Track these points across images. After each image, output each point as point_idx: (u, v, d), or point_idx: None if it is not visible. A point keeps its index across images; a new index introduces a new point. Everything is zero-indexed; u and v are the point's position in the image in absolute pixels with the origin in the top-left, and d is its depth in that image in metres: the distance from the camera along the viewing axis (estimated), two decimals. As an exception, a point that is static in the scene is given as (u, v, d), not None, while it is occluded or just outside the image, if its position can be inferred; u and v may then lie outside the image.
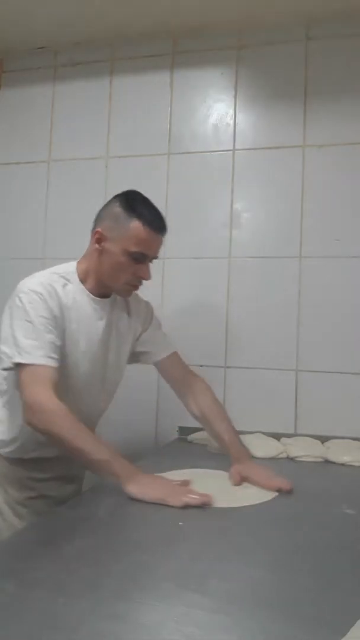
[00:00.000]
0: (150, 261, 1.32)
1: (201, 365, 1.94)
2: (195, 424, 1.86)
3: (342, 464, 1.56)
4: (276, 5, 1.83)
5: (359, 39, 1.87)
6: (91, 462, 1.14)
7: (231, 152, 1.97)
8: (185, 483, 1.18)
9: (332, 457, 1.58)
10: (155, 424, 1.96)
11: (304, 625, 0.66)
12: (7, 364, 1.20)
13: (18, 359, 1.17)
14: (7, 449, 1.34)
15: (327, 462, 1.58)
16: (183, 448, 1.75)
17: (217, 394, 1.89)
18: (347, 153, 1.86)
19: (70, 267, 1.33)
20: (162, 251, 1.97)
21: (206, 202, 1.98)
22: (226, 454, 1.39)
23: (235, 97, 1.98)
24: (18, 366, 1.17)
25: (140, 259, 1.28)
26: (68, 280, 1.30)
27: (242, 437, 1.72)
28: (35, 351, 1.17)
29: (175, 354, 1.51)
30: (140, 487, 1.11)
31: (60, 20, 1.97)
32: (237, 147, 1.97)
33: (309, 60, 1.91)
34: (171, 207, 2.00)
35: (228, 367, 1.92)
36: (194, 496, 1.09)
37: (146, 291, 1.98)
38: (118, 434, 1.99)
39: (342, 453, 1.59)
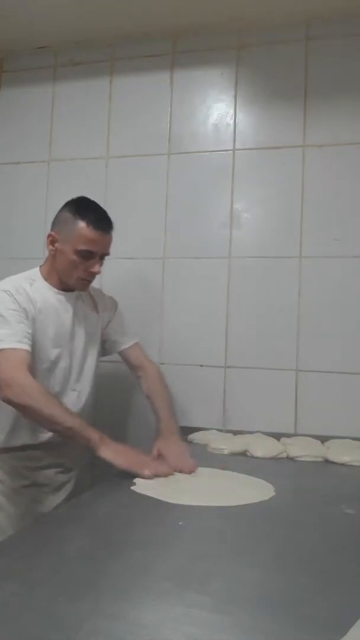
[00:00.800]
0: (102, 257, 1.47)
1: (201, 365, 1.94)
2: (195, 423, 1.88)
3: (342, 464, 1.55)
4: (276, 5, 1.83)
5: (359, 39, 1.87)
6: (64, 429, 1.27)
7: (231, 152, 1.97)
8: (155, 457, 1.34)
9: (332, 457, 1.58)
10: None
11: (304, 625, 0.66)
12: None
13: None
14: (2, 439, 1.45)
15: (327, 462, 1.58)
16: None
17: (217, 394, 1.91)
18: (347, 153, 1.86)
19: (33, 271, 1.50)
20: (162, 251, 2.00)
21: (206, 202, 1.98)
22: (157, 428, 1.54)
23: (235, 97, 1.98)
24: None
25: (89, 256, 1.42)
26: (34, 280, 1.46)
27: (242, 437, 1.73)
28: (7, 338, 1.30)
29: (137, 344, 1.68)
30: (113, 453, 1.24)
31: (60, 20, 1.97)
32: (237, 147, 1.97)
33: (309, 60, 1.91)
34: (171, 207, 2.00)
35: (228, 367, 1.92)
36: (161, 468, 1.26)
37: (146, 291, 2.00)
38: (118, 434, 1.99)
39: (342, 453, 1.59)
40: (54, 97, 2.15)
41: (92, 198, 1.53)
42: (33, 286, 1.43)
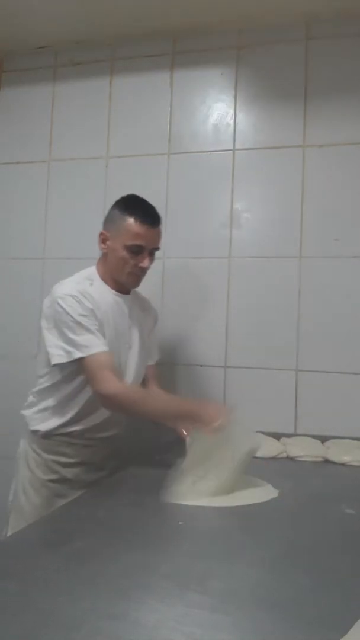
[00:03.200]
0: (151, 252, 1.49)
1: (201, 365, 1.94)
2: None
3: (342, 464, 1.56)
4: (276, 5, 1.83)
5: (359, 39, 1.87)
6: (170, 415, 1.44)
7: (231, 152, 1.97)
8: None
9: (332, 457, 1.58)
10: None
11: (304, 625, 0.66)
12: (59, 360, 1.37)
13: (78, 355, 1.34)
14: (39, 426, 1.48)
15: (327, 462, 1.58)
16: (183, 448, 1.75)
17: (217, 394, 1.91)
18: (347, 153, 1.86)
19: (91, 270, 1.52)
20: (162, 251, 1.99)
21: (206, 202, 1.98)
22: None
23: (235, 97, 1.98)
24: (79, 361, 1.34)
25: (138, 251, 1.45)
26: (92, 280, 1.48)
27: (242, 437, 1.73)
28: (91, 343, 1.34)
29: (154, 365, 1.70)
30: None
31: (60, 20, 1.97)
32: (237, 147, 1.97)
33: (309, 60, 1.91)
34: (171, 207, 2.00)
35: (228, 367, 1.92)
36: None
37: (147, 290, 2.00)
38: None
39: (342, 453, 1.59)
40: (54, 97, 2.15)
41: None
42: (93, 287, 1.45)
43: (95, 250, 2.07)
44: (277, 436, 1.74)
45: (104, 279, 1.50)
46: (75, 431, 1.46)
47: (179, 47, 2.04)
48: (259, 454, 1.60)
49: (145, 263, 1.47)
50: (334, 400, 1.81)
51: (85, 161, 2.10)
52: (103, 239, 1.48)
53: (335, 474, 1.50)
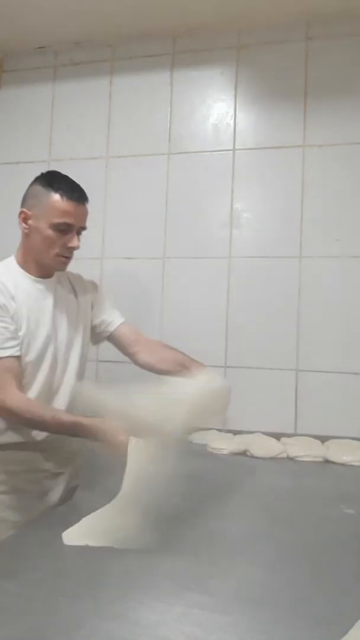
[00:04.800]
0: (79, 232, 1.37)
1: (201, 365, 1.94)
2: (195, 424, 1.87)
3: (342, 464, 1.56)
4: (276, 4, 1.83)
5: (359, 38, 1.87)
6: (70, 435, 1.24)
7: (231, 152, 1.97)
8: None
9: (332, 457, 1.58)
10: (155, 424, 1.96)
11: (304, 625, 0.66)
12: None
13: None
14: None
15: (327, 462, 1.58)
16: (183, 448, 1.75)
17: (217, 394, 1.91)
18: (347, 153, 1.86)
19: (8, 258, 1.42)
20: (162, 251, 2.00)
21: (206, 202, 1.98)
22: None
23: (235, 97, 1.98)
24: None
25: (66, 230, 1.33)
26: (8, 267, 1.37)
27: (242, 437, 1.73)
28: None
29: (128, 323, 1.55)
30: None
31: (60, 20, 1.96)
32: (237, 147, 1.97)
33: (309, 60, 1.91)
34: (171, 207, 2.00)
35: (228, 367, 1.92)
36: None
37: (146, 291, 2.00)
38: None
39: (342, 453, 1.59)
40: (54, 97, 2.15)
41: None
42: (7, 275, 1.34)
43: (94, 250, 2.07)
44: (277, 436, 1.74)
45: (22, 265, 1.38)
46: (19, 439, 1.33)
47: (179, 47, 2.04)
48: (259, 454, 1.60)
49: (74, 242, 1.34)
50: (334, 400, 1.81)
51: (85, 161, 2.09)
52: (24, 218, 1.36)
53: (335, 474, 1.50)
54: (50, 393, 1.38)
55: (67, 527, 0.99)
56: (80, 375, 1.46)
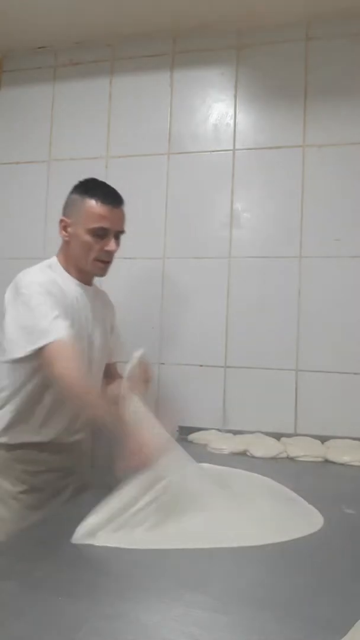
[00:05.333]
0: (117, 236, 1.40)
1: (201, 365, 1.94)
2: (195, 423, 1.87)
3: (342, 464, 1.56)
4: (276, 5, 1.83)
5: (359, 39, 1.87)
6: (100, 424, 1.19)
7: (231, 152, 1.97)
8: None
9: (332, 457, 1.58)
10: (155, 424, 1.95)
11: (304, 625, 0.66)
12: (18, 353, 1.23)
13: (42, 342, 1.19)
14: (5, 437, 1.37)
15: (327, 462, 1.58)
16: (183, 448, 1.75)
17: (217, 394, 1.91)
18: (347, 153, 1.86)
19: (52, 260, 1.43)
20: (162, 251, 2.00)
21: (206, 202, 1.98)
22: None
23: (235, 97, 1.98)
24: (40, 350, 1.20)
25: (103, 234, 1.36)
26: (54, 270, 1.39)
27: (242, 437, 1.73)
28: (54, 328, 1.20)
29: (114, 363, 1.58)
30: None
31: (60, 20, 1.96)
32: (237, 147, 1.97)
33: (309, 60, 1.91)
34: (171, 207, 2.00)
35: (228, 367, 1.92)
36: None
37: (146, 291, 2.00)
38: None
39: (342, 453, 1.59)
40: (54, 97, 2.15)
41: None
42: (54, 276, 1.36)
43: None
44: (277, 436, 1.74)
45: (66, 269, 1.40)
46: (42, 439, 1.36)
47: (179, 47, 2.04)
48: (259, 454, 1.60)
49: (111, 246, 1.37)
50: (334, 400, 1.81)
51: (85, 161, 2.09)
52: (64, 226, 1.38)
53: (335, 474, 1.50)
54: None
55: (67, 527, 0.99)
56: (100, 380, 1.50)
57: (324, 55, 1.89)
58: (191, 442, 1.78)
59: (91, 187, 1.39)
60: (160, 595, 0.73)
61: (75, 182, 2.04)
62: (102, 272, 1.43)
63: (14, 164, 2.18)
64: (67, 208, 1.40)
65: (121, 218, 1.41)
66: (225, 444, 1.66)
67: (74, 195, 1.40)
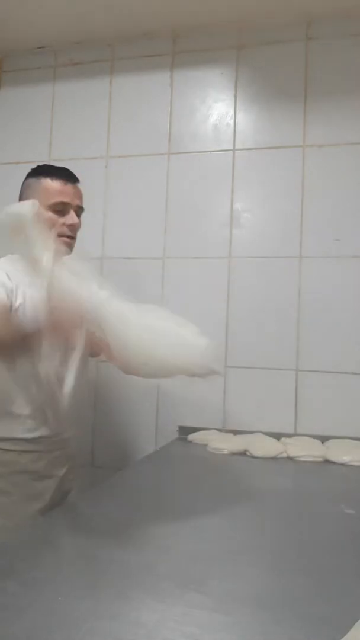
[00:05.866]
0: (78, 213, 1.41)
1: (201, 365, 1.94)
2: (195, 423, 1.87)
3: (342, 464, 1.55)
4: (276, 5, 1.83)
5: (359, 39, 1.87)
6: None
7: (231, 152, 1.97)
8: None
9: (332, 457, 1.58)
10: (156, 424, 1.96)
11: (304, 625, 0.66)
12: None
13: None
14: None
15: (327, 462, 1.58)
16: (183, 448, 1.75)
17: (217, 394, 1.91)
18: (347, 153, 1.86)
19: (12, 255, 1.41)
20: (162, 251, 2.00)
21: (206, 202, 1.98)
22: None
23: (235, 97, 1.98)
24: None
25: (63, 210, 1.37)
26: (12, 260, 1.36)
27: (242, 437, 1.73)
28: None
29: None
30: None
31: (60, 20, 1.97)
32: (237, 147, 1.97)
33: (309, 60, 1.91)
34: (171, 207, 2.00)
35: (228, 367, 1.91)
36: None
37: (146, 291, 2.00)
38: (118, 434, 2.00)
39: (342, 453, 1.59)
40: (54, 97, 2.15)
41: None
42: (16, 265, 1.33)
43: (94, 250, 2.07)
44: (277, 436, 1.74)
45: None
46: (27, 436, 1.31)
47: (179, 47, 2.04)
48: (259, 454, 1.60)
49: (74, 220, 1.38)
50: (334, 400, 1.81)
51: (85, 161, 2.09)
52: None
53: (335, 474, 1.50)
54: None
55: (66, 527, 1.00)
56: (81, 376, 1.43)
57: (324, 55, 1.89)
58: (191, 442, 1.78)
59: (44, 169, 1.42)
60: (160, 595, 0.73)
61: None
62: (68, 249, 1.40)
63: (14, 164, 2.18)
64: (23, 193, 1.43)
65: (79, 194, 1.42)
66: (225, 444, 1.66)
67: (28, 180, 1.43)
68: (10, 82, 2.21)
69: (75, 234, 1.41)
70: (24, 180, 1.45)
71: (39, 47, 2.16)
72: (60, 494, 1.37)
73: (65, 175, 1.41)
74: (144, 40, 2.05)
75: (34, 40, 2.12)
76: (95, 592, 0.73)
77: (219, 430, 1.84)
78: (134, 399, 1.97)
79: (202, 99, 2.01)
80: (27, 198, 1.38)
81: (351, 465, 1.55)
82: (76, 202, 1.41)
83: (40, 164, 1.47)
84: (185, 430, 1.84)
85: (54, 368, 1.28)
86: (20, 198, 1.43)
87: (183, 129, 2.02)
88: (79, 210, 1.42)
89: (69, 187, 1.40)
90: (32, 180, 1.41)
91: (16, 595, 0.71)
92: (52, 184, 1.38)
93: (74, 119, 2.13)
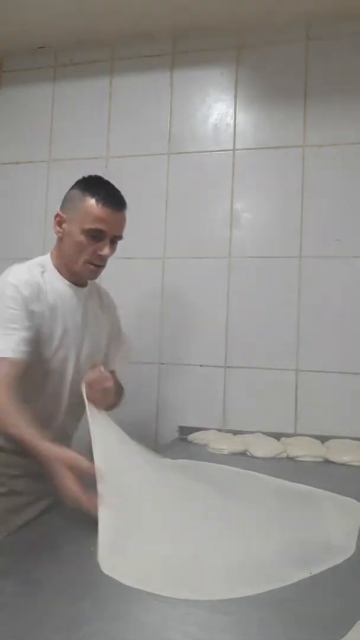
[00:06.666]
0: (114, 241, 1.32)
1: (201, 365, 1.94)
2: (195, 423, 1.87)
3: (342, 464, 1.56)
4: (276, 5, 1.83)
5: (359, 39, 1.87)
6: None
7: (231, 152, 1.97)
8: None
9: (332, 457, 1.58)
10: (156, 424, 1.96)
11: (304, 625, 0.66)
12: None
13: None
14: None
15: (327, 461, 1.58)
16: (183, 448, 1.75)
17: (217, 394, 1.91)
18: (347, 153, 1.86)
19: (45, 257, 1.35)
20: (163, 251, 2.00)
21: (206, 202, 1.98)
22: None
23: (235, 97, 1.98)
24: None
25: (99, 237, 1.28)
26: (44, 268, 1.31)
27: (242, 437, 1.73)
28: (3, 346, 1.15)
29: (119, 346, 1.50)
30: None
31: (60, 20, 1.96)
32: (237, 147, 1.97)
33: (309, 60, 1.91)
34: (171, 207, 2.00)
35: (228, 367, 1.92)
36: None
37: (146, 291, 2.00)
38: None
39: (342, 453, 1.59)
40: (54, 97, 2.15)
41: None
42: (44, 275, 1.29)
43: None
44: (277, 436, 1.74)
45: (57, 268, 1.32)
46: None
47: (179, 47, 2.04)
48: (259, 454, 1.60)
49: (105, 251, 1.28)
50: (334, 400, 1.81)
51: (85, 161, 2.09)
52: (59, 222, 1.30)
53: (335, 474, 1.49)
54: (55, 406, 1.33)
55: (66, 527, 0.99)
56: None
57: (324, 56, 1.90)
58: (191, 442, 1.78)
59: (94, 185, 1.30)
60: (161, 595, 0.73)
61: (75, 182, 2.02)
62: (93, 276, 1.35)
63: (14, 164, 2.18)
64: (66, 203, 1.32)
65: (121, 223, 1.32)
66: (225, 444, 1.66)
67: (74, 191, 1.31)
68: (10, 82, 2.21)
69: (105, 263, 1.33)
70: (72, 187, 1.33)
71: (39, 47, 2.16)
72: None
73: (113, 202, 1.28)
74: (144, 40, 2.05)
75: (34, 40, 2.12)
76: (95, 592, 0.73)
77: (219, 430, 1.84)
78: (133, 399, 1.97)
79: (202, 99, 2.01)
80: (67, 211, 1.30)
81: (351, 465, 1.55)
82: (115, 232, 1.31)
83: (92, 175, 1.35)
84: (185, 430, 1.84)
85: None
86: (62, 206, 1.33)
87: (183, 129, 2.02)
88: (117, 239, 1.33)
89: (112, 215, 1.28)
90: (77, 194, 1.30)
91: (16, 595, 0.71)
92: (95, 209, 1.26)
93: (74, 119, 2.13)
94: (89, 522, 0.89)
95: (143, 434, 1.96)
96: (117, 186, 1.41)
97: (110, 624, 0.65)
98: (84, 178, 1.33)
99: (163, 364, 1.96)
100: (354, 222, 1.84)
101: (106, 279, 2.01)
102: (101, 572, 0.79)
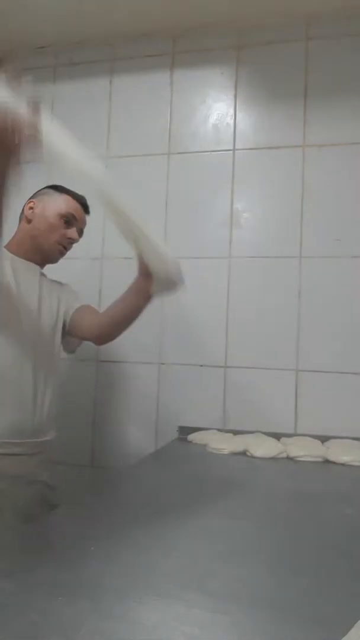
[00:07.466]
0: (79, 233, 1.49)
1: (201, 365, 1.94)
2: (195, 423, 1.87)
3: (342, 464, 1.55)
4: (276, 5, 1.83)
5: (359, 38, 1.87)
6: None
7: (231, 152, 1.97)
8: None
9: (332, 457, 1.58)
10: (155, 424, 1.96)
11: (304, 625, 0.66)
12: None
13: None
14: None
15: (327, 462, 1.58)
16: (183, 448, 1.75)
17: (217, 394, 1.91)
18: (347, 153, 1.86)
19: None
20: (162, 251, 1.99)
21: (206, 202, 1.98)
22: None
23: (235, 97, 1.98)
24: None
25: (70, 223, 1.46)
26: None
27: (242, 437, 1.73)
28: None
29: (88, 305, 1.54)
30: None
31: (60, 20, 1.97)
32: (237, 147, 1.97)
33: (309, 60, 1.91)
34: (171, 207, 2.00)
35: (228, 367, 1.92)
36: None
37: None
38: (118, 434, 1.99)
39: (342, 453, 1.59)
40: (54, 97, 2.15)
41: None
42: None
43: (94, 250, 2.07)
44: (277, 436, 1.74)
45: (14, 251, 1.42)
46: None
47: (179, 47, 2.04)
48: (259, 454, 1.60)
49: (74, 235, 1.47)
50: (334, 400, 1.81)
51: (85, 161, 2.09)
52: (30, 207, 1.46)
53: (335, 474, 1.49)
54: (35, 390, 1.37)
55: (66, 527, 0.99)
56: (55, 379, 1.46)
57: (324, 55, 1.90)
58: (191, 442, 1.78)
59: (68, 189, 1.47)
60: (160, 595, 0.73)
61: (74, 182, 2.02)
62: (59, 256, 1.49)
63: (14, 164, 2.18)
64: (39, 195, 1.48)
65: (85, 221, 1.51)
66: (225, 444, 1.66)
67: (47, 189, 1.49)
68: (10, 82, 2.21)
69: (70, 248, 1.49)
70: (44, 188, 1.50)
71: (39, 47, 2.16)
72: (44, 501, 1.37)
73: (83, 202, 1.48)
74: (144, 40, 2.05)
75: (34, 40, 2.12)
76: (95, 592, 0.73)
77: (219, 430, 1.84)
78: (134, 399, 1.97)
79: (202, 99, 2.01)
80: (41, 200, 1.46)
81: (351, 465, 1.55)
82: (82, 224, 1.50)
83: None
84: (185, 430, 1.84)
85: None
86: (34, 196, 1.49)
87: (183, 129, 2.02)
88: (80, 233, 1.51)
89: (82, 212, 1.49)
90: (51, 191, 1.48)
91: (15, 595, 0.71)
92: (71, 201, 1.45)
93: (74, 119, 2.11)
94: (89, 522, 0.89)
95: (143, 434, 1.96)
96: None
97: (110, 624, 0.65)
98: (55, 185, 1.49)
99: (163, 364, 1.96)
100: (354, 222, 1.84)
101: (107, 278, 2.02)
102: (101, 572, 0.79)
